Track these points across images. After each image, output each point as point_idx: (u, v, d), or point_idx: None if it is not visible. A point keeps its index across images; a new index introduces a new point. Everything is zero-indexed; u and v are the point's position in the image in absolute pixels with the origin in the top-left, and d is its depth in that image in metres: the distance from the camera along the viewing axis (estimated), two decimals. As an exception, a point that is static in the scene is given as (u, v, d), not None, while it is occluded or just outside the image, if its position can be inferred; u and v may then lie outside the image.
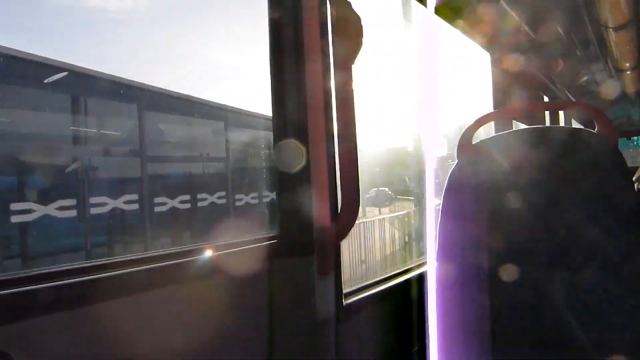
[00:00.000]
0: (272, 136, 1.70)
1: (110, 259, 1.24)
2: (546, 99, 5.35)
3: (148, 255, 1.33)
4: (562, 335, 1.92)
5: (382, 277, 2.31)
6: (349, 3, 1.63)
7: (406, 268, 2.51)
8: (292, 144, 1.67)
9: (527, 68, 4.37)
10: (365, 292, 2.05)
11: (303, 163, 1.66)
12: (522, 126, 3.90)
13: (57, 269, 1.13)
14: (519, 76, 4.22)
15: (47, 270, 1.12)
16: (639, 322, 1.83)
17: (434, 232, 2.11)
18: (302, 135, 1.66)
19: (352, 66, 1.63)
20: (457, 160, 2.14)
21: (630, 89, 6.26)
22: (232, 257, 1.50)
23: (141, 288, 1.23)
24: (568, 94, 6.06)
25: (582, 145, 1.96)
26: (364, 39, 1.65)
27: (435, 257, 2.11)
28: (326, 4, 1.74)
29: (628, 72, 5.21)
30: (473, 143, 2.17)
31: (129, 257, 1.27)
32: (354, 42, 1.61)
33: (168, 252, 1.37)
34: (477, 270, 2.04)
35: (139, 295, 1.22)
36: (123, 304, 1.18)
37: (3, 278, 1.05)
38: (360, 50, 1.64)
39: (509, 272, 2.01)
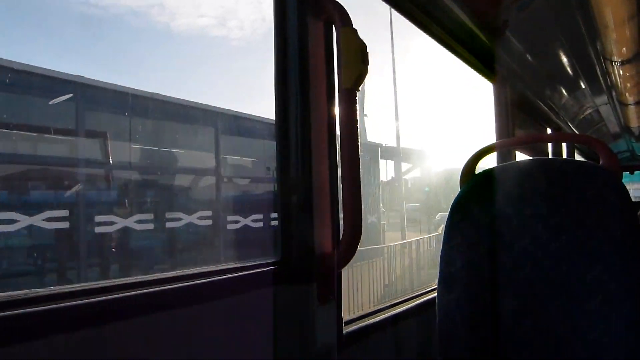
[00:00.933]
0: (276, 161, 1.69)
1: (108, 282, 1.23)
2: (549, 130, 5.35)
3: (145, 279, 1.31)
4: None
5: (383, 305, 2.29)
6: (355, 30, 1.64)
7: (411, 296, 2.48)
8: (295, 170, 1.67)
9: (531, 99, 4.39)
10: (367, 320, 2.02)
11: (306, 189, 1.65)
12: (525, 157, 3.90)
13: (58, 291, 1.12)
14: (522, 107, 4.24)
15: (53, 292, 1.11)
16: None
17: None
18: (305, 160, 1.66)
19: (357, 92, 1.63)
20: (460, 189, 2.13)
21: (634, 123, 6.26)
22: (233, 282, 1.48)
23: (138, 312, 1.21)
24: (571, 126, 6.07)
25: (586, 178, 1.94)
26: (368, 66, 1.65)
27: (437, 284, 2.09)
28: (332, 31, 1.75)
29: (632, 106, 5.21)
30: (476, 172, 2.17)
31: (125, 280, 1.26)
32: (359, 68, 1.61)
33: (166, 276, 1.35)
34: (477, 300, 2.01)
35: (135, 319, 1.20)
36: (123, 326, 1.17)
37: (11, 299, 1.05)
38: (365, 77, 1.64)
39: (509, 304, 1.99)
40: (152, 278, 1.33)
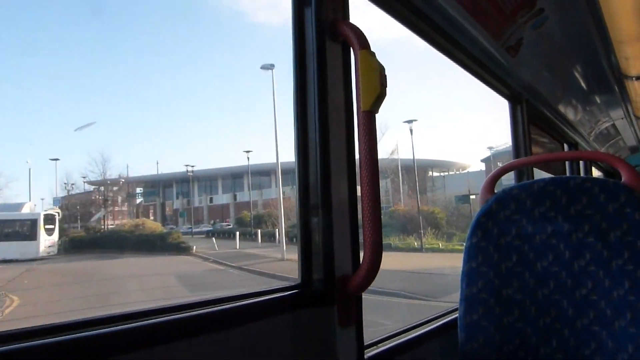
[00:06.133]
0: (296, 185, 1.70)
1: (131, 310, 1.23)
2: (566, 146, 5.33)
3: (166, 306, 1.32)
4: None
5: (407, 326, 2.27)
6: (373, 53, 1.64)
7: (435, 315, 2.46)
8: (315, 193, 1.67)
9: (547, 116, 4.38)
10: (389, 342, 2.01)
11: (325, 212, 1.65)
12: (542, 174, 3.88)
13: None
14: (539, 123, 4.22)
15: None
16: None
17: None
18: (325, 183, 1.66)
19: (376, 115, 1.63)
20: (480, 209, 2.12)
21: (651, 136, 6.22)
22: (255, 307, 1.48)
23: (166, 339, 1.22)
24: (588, 141, 6.03)
25: (608, 195, 1.93)
26: (386, 88, 1.66)
27: (459, 304, 2.07)
28: (350, 54, 1.75)
29: (648, 120, 5.18)
30: (496, 191, 2.16)
31: (150, 307, 1.27)
32: (377, 91, 1.62)
33: (190, 302, 1.36)
34: (500, 320, 1.99)
35: (158, 348, 1.20)
36: (149, 354, 1.17)
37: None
38: (384, 100, 1.65)
39: (533, 324, 1.96)
40: (173, 305, 1.33)
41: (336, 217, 1.67)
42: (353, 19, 1.79)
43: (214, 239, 27.47)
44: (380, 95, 1.63)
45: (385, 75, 1.65)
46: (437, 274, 18.43)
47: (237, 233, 27.75)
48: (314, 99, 1.68)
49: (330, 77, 1.71)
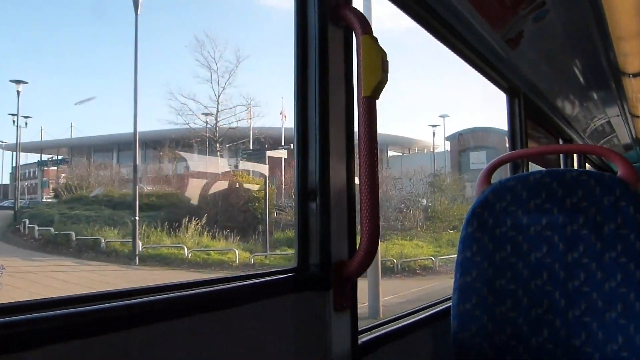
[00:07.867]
0: (295, 170, 1.70)
1: (134, 287, 1.24)
2: (561, 141, 5.34)
3: (166, 285, 1.32)
4: None
5: (401, 313, 2.28)
6: (375, 38, 1.63)
7: (429, 303, 2.48)
8: (313, 177, 1.67)
9: (544, 110, 4.38)
10: (383, 329, 2.02)
11: (323, 197, 1.65)
12: (537, 168, 3.89)
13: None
14: (535, 118, 4.23)
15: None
16: None
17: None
18: (324, 168, 1.65)
19: (376, 100, 1.63)
20: (476, 199, 2.13)
21: (645, 134, 6.25)
22: (252, 288, 1.48)
23: (160, 318, 1.22)
24: (582, 137, 6.05)
25: (603, 189, 1.94)
26: (388, 74, 1.65)
27: (452, 294, 2.09)
28: (352, 39, 1.75)
29: (643, 118, 5.20)
30: (492, 182, 2.17)
31: (148, 285, 1.27)
32: (379, 77, 1.61)
33: (189, 281, 1.36)
34: (493, 310, 2.01)
35: (156, 324, 1.21)
36: (142, 331, 1.17)
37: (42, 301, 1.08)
38: (385, 85, 1.64)
39: (525, 314, 1.98)
40: (172, 283, 1.34)
41: (333, 203, 1.67)
42: (356, 4, 1.78)
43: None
44: (382, 81, 1.62)
45: (387, 61, 1.64)
46: None
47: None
48: (315, 84, 1.67)
49: (332, 62, 1.70)
